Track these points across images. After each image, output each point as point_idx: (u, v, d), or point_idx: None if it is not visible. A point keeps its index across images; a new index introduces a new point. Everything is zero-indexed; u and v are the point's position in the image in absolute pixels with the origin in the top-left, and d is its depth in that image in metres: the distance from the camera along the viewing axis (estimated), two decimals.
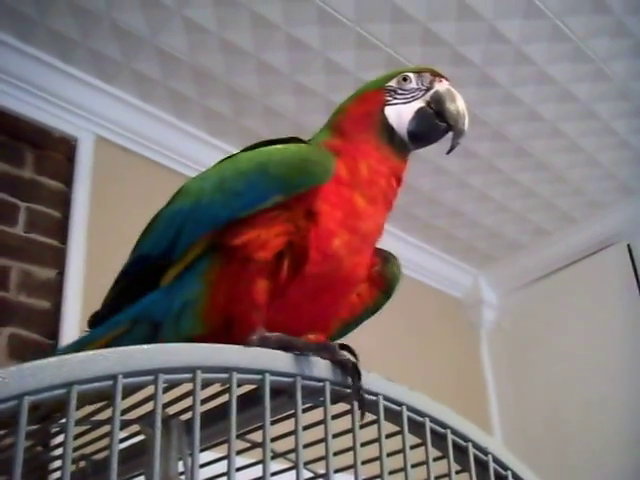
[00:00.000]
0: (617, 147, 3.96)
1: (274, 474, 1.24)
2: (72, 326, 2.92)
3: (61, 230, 3.13)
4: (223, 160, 1.41)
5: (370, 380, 1.17)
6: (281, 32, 3.15)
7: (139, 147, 3.48)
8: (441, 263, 4.70)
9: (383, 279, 1.45)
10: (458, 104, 1.36)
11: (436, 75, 1.39)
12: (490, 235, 4.56)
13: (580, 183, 4.20)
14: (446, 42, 3.23)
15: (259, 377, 1.05)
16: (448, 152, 1.37)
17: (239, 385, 1.04)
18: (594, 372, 4.32)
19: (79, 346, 1.32)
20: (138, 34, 3.12)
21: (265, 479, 0.98)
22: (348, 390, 1.14)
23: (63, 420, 0.90)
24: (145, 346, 0.96)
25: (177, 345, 1.00)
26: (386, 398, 1.18)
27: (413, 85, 1.38)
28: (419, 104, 1.36)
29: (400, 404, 1.19)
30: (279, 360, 1.08)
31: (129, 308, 1.32)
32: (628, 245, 4.39)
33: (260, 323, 1.19)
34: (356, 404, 1.13)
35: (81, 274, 3.06)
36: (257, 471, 1.04)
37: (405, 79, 1.38)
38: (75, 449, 1.48)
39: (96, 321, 1.42)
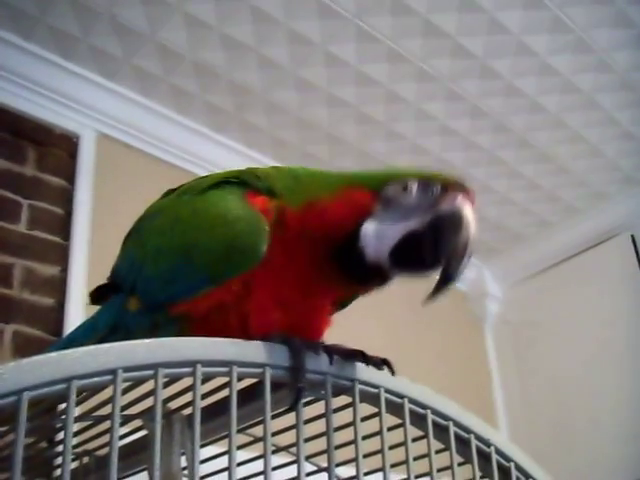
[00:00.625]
0: (620, 138, 3.95)
1: (276, 468, 1.24)
2: (76, 322, 2.90)
3: (64, 227, 3.13)
4: (174, 200, 1.30)
5: (371, 373, 1.16)
6: (282, 26, 3.14)
7: (141, 143, 3.48)
8: None
9: None
10: (461, 236, 1.09)
11: (449, 186, 1.13)
12: (494, 227, 4.55)
13: (584, 174, 4.19)
14: (447, 34, 3.22)
15: (260, 370, 1.04)
16: (428, 298, 1.15)
17: (240, 379, 1.04)
18: (600, 364, 4.32)
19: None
20: (139, 30, 3.11)
21: (266, 473, 0.98)
22: (349, 383, 1.13)
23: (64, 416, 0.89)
24: (146, 340, 0.96)
25: (177, 339, 0.99)
26: (387, 391, 1.17)
27: (413, 199, 1.14)
28: (412, 225, 1.12)
29: (402, 396, 1.18)
30: (280, 354, 1.08)
31: (103, 311, 1.33)
32: (632, 236, 4.38)
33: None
34: (358, 397, 1.13)
35: (84, 271, 3.06)
36: (259, 465, 1.03)
37: (406, 188, 1.14)
38: (78, 445, 1.49)
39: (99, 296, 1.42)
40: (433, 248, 1.10)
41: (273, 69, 3.35)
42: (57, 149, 3.25)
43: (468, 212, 1.10)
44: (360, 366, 1.15)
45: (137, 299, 1.26)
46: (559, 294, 4.64)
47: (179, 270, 1.17)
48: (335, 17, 3.11)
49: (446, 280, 1.11)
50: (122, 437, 1.30)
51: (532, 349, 4.70)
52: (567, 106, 3.71)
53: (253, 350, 1.05)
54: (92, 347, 0.92)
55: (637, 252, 4.34)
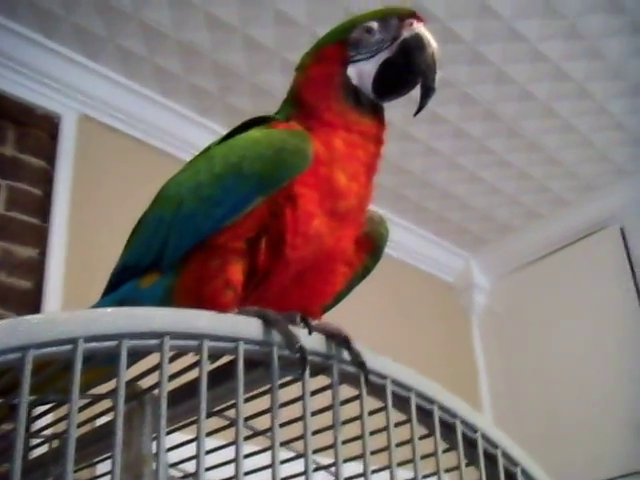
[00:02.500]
0: (612, 128, 3.91)
1: (248, 455, 1.16)
2: (53, 306, 2.86)
3: (43, 208, 3.06)
4: (198, 156, 1.33)
5: (378, 362, 1.12)
6: (268, 7, 3.08)
7: (123, 125, 3.41)
8: (432, 246, 4.64)
9: (370, 240, 1.36)
10: (427, 52, 1.23)
11: (404, 17, 1.26)
12: (482, 218, 4.51)
13: (573, 165, 4.15)
14: (436, 17, 3.16)
15: (232, 345, 0.98)
16: (415, 113, 1.27)
17: (212, 355, 0.98)
18: (587, 357, 4.28)
19: None
20: (122, 8, 3.04)
21: (238, 461, 0.92)
22: (330, 361, 1.08)
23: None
24: (109, 309, 0.90)
25: (144, 309, 0.93)
26: (395, 382, 1.14)
27: (377, 35, 1.26)
28: (384, 56, 1.25)
29: (384, 377, 1.13)
30: (254, 328, 1.02)
31: (109, 296, 1.27)
32: (621, 228, 4.36)
33: (234, 303, 1.12)
34: (337, 377, 1.08)
35: (63, 253, 3.00)
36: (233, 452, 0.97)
37: (369, 30, 1.26)
38: (47, 426, 1.42)
39: None
40: (408, 68, 1.24)
41: (259, 51, 3.29)
42: (38, 129, 3.18)
43: (425, 31, 1.25)
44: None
45: (155, 273, 1.23)
46: (547, 286, 4.60)
47: (228, 187, 1.18)
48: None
49: (427, 91, 1.24)
50: (95, 417, 1.24)
51: (519, 342, 4.67)
52: (558, 94, 3.66)
53: (226, 323, 0.99)
54: (52, 313, 0.86)
55: (626, 245, 4.32)
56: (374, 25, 1.26)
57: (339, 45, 1.28)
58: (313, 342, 1.06)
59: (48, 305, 2.86)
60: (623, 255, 4.30)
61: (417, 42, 1.24)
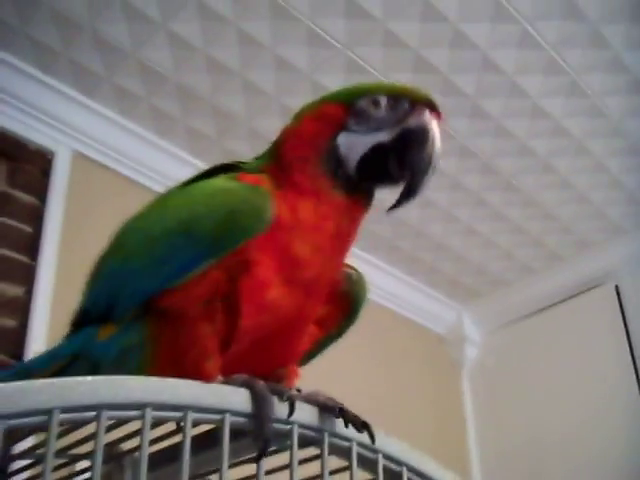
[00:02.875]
0: (609, 186, 3.88)
1: None
2: (39, 346, 2.79)
3: (32, 246, 3.01)
4: (156, 201, 1.26)
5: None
6: (268, 51, 3.05)
7: (118, 164, 3.37)
8: (424, 297, 4.59)
9: (346, 301, 1.30)
10: (427, 152, 1.13)
11: (417, 102, 1.17)
12: (476, 270, 4.47)
13: (570, 221, 4.12)
14: (438, 70, 3.15)
15: (218, 417, 0.93)
16: (389, 209, 1.17)
17: (195, 425, 0.93)
18: (579, 415, 4.22)
19: (16, 377, 1.19)
20: (121, 47, 3.01)
21: None
22: (320, 434, 1.03)
23: None
24: (89, 378, 0.85)
25: (125, 378, 0.88)
26: (360, 445, 1.07)
27: (382, 113, 1.16)
28: (380, 138, 1.16)
29: (376, 452, 1.08)
30: (241, 400, 0.97)
31: (66, 342, 1.22)
32: (616, 286, 4.31)
33: (216, 371, 1.08)
34: (327, 449, 1.02)
35: (50, 292, 2.95)
36: None
37: (375, 103, 1.17)
38: None
39: None
40: (399, 161, 1.15)
41: (258, 95, 3.27)
42: (30, 165, 3.13)
43: (434, 128, 1.15)
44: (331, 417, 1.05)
45: (111, 325, 1.17)
46: (539, 342, 4.55)
47: (177, 247, 1.12)
48: (324, 46, 3.05)
49: (409, 193, 1.15)
50: (74, 476, 1.19)
51: (510, 398, 4.60)
52: (557, 150, 3.64)
53: (212, 394, 0.94)
54: (27, 382, 0.81)
55: (621, 303, 4.27)
56: (383, 100, 1.17)
57: (341, 107, 1.19)
58: (304, 415, 1.02)
59: (33, 345, 2.80)
60: (617, 313, 4.25)
61: (420, 136, 1.14)
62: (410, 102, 1.17)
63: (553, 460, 4.25)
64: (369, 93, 1.19)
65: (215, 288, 1.09)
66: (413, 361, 4.48)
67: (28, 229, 3.02)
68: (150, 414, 0.87)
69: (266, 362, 1.23)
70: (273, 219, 1.10)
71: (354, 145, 1.16)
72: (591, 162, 3.72)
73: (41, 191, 3.12)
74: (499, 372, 4.69)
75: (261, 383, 1.01)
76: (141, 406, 0.86)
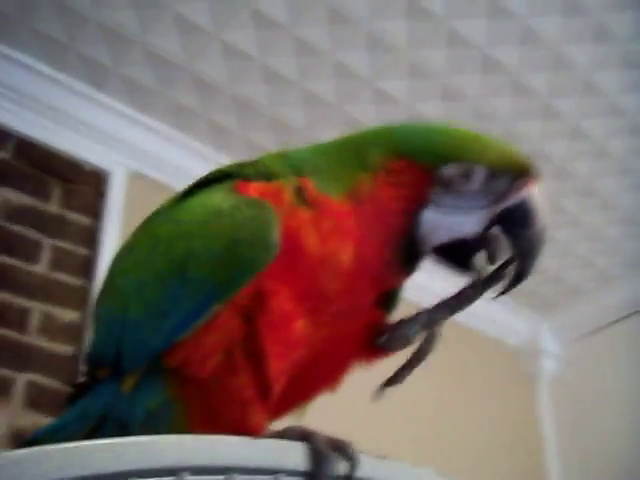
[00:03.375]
0: None
1: None
2: None
3: (87, 269, 2.92)
4: (143, 230, 1.10)
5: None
6: (328, 60, 2.93)
7: (175, 182, 3.21)
8: (498, 308, 4.39)
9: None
10: (534, 228, 0.96)
11: (520, 178, 0.97)
12: (552, 279, 4.26)
13: None
14: (509, 71, 2.99)
15: (269, 478, 0.79)
16: (499, 294, 1.01)
17: None
18: None
19: (50, 439, 1.04)
20: (175, 61, 2.92)
21: None
22: None
23: None
24: (109, 441, 0.71)
25: (153, 439, 0.74)
26: None
27: (475, 187, 0.97)
28: (472, 224, 0.97)
29: None
30: (297, 455, 0.82)
31: (90, 399, 1.06)
32: None
33: (263, 424, 0.93)
34: None
35: None
36: None
37: (468, 175, 0.97)
38: None
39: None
40: (509, 240, 0.98)
41: (317, 105, 3.14)
42: (85, 186, 3.05)
43: (539, 201, 0.97)
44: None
45: (132, 376, 1.01)
46: (622, 352, 4.33)
47: (174, 295, 0.95)
48: (343, 22, 2.90)
49: (519, 278, 0.98)
50: None
51: (591, 412, 4.37)
52: (635, 150, 3.46)
53: (260, 451, 0.80)
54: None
55: None
56: (478, 173, 0.97)
57: (424, 172, 0.98)
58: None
59: None
60: None
61: (526, 215, 0.96)
62: (512, 176, 0.97)
63: None
64: (461, 159, 0.97)
65: (230, 334, 0.93)
66: (486, 377, 4.30)
67: (84, 252, 2.94)
68: None
69: (312, 390, 1.09)
70: (291, 238, 0.93)
71: (440, 227, 0.98)
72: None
73: (96, 212, 3.04)
74: (579, 386, 4.47)
75: (321, 437, 0.86)
76: (176, 471, 0.72)
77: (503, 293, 1.01)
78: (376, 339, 1.09)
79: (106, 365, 1.05)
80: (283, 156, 1.07)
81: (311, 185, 0.99)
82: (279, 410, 1.04)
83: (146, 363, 0.99)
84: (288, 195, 0.97)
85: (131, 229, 3.04)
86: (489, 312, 4.33)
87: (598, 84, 3.09)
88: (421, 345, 1.07)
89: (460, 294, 1.05)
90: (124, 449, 0.71)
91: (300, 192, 0.97)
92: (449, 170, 0.97)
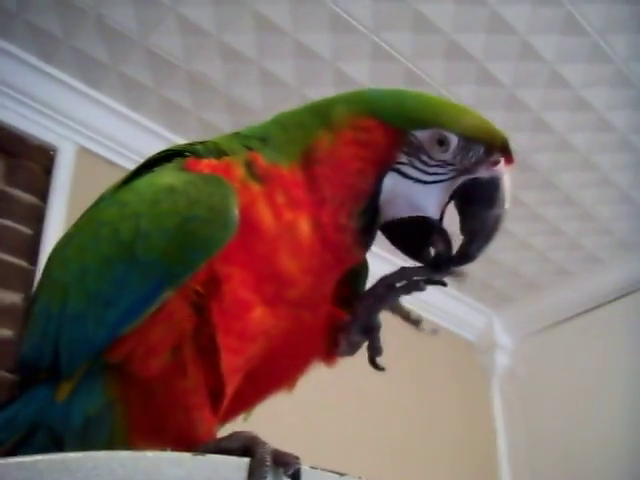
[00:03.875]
0: None
1: None
2: None
3: (31, 249, 2.79)
4: (84, 217, 1.02)
5: None
6: (287, 39, 2.84)
7: (125, 160, 3.12)
8: (453, 302, 4.35)
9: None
10: (496, 212, 0.93)
11: (494, 149, 0.93)
12: (508, 273, 4.22)
13: (609, 221, 3.90)
14: (474, 58, 2.93)
15: None
16: (431, 274, 0.96)
17: None
18: (614, 424, 4.00)
19: None
20: (128, 34, 2.80)
21: None
22: None
23: None
24: (28, 459, 0.61)
25: (82, 456, 0.64)
26: None
27: (448, 155, 0.92)
28: (439, 194, 0.91)
29: None
30: (236, 471, 0.75)
31: (20, 405, 0.97)
32: None
33: (210, 433, 0.85)
34: None
35: None
36: None
37: (441, 142, 0.91)
38: None
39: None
40: (464, 220, 0.93)
41: (276, 85, 3.04)
42: (31, 161, 2.92)
43: (507, 183, 0.94)
44: None
45: (68, 382, 0.92)
46: (575, 349, 4.33)
47: (120, 280, 0.87)
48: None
49: (464, 258, 0.93)
50: None
51: (542, 407, 4.39)
52: (598, 146, 3.42)
53: (206, 468, 0.71)
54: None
55: None
56: (452, 140, 0.92)
57: (392, 133, 0.92)
58: None
59: None
60: None
61: (492, 192, 0.93)
62: (485, 147, 0.92)
63: (588, 472, 4.02)
64: (435, 125, 0.92)
65: (179, 325, 0.85)
66: (441, 369, 4.28)
67: (28, 231, 2.82)
68: None
69: (267, 390, 1.02)
70: (245, 217, 0.86)
71: (400, 197, 0.92)
72: (635, 158, 3.50)
73: (42, 189, 2.91)
74: (531, 381, 4.48)
75: (266, 450, 0.78)
76: None
77: (437, 271, 0.96)
78: (335, 341, 1.04)
79: (40, 369, 0.97)
80: (234, 135, 1.02)
81: (260, 158, 0.93)
82: (230, 411, 0.96)
83: (85, 364, 0.90)
84: (239, 171, 0.91)
85: (78, 208, 2.92)
86: (445, 305, 4.30)
87: (564, 76, 3.03)
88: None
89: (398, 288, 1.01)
90: (47, 468, 0.61)
91: (250, 167, 0.91)
92: (422, 134, 0.92)
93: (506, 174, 0.94)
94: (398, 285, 1.02)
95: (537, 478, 4.24)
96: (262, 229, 0.88)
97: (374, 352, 1.02)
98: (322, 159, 0.94)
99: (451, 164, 0.92)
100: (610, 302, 4.24)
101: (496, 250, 4.04)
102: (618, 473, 3.88)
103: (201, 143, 1.00)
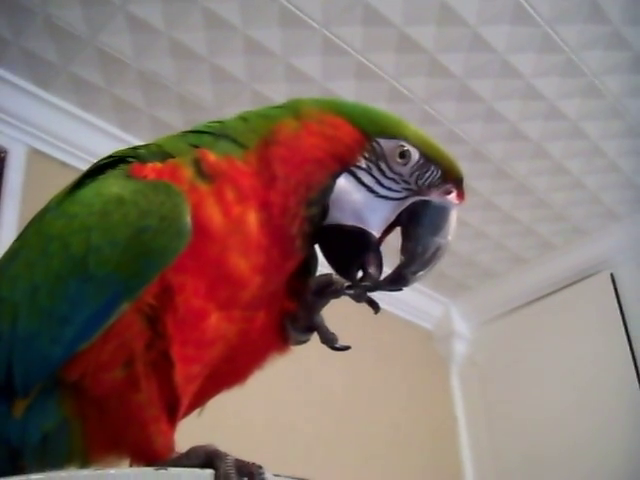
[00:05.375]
0: (605, 170, 3.69)
1: None
2: None
3: None
4: (29, 230, 1.00)
5: None
6: (238, 35, 2.81)
7: (78, 161, 3.08)
8: (411, 292, 4.36)
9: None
10: (441, 240, 0.93)
11: (450, 176, 0.95)
12: (465, 262, 4.24)
13: (563, 208, 3.93)
14: (425, 49, 2.91)
15: None
16: (359, 296, 0.95)
17: None
18: (575, 409, 4.04)
19: None
20: (77, 33, 2.76)
21: None
22: None
23: None
24: None
25: (45, 477, 0.64)
26: None
27: (406, 170, 0.92)
28: (386, 209, 0.92)
29: None
30: None
31: None
32: (612, 274, 4.13)
33: (168, 446, 0.84)
34: None
35: None
36: None
37: (403, 155, 0.92)
38: None
39: None
40: (408, 236, 0.93)
41: (227, 82, 3.01)
42: None
43: (454, 215, 0.95)
44: None
45: (21, 399, 0.89)
46: (533, 335, 4.36)
47: (74, 296, 0.85)
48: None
49: (398, 281, 0.94)
50: None
51: (501, 393, 4.43)
52: (550, 134, 3.44)
53: None
54: None
55: (617, 292, 4.09)
56: (414, 155, 0.93)
57: (358, 136, 0.93)
58: None
59: None
60: (614, 303, 4.07)
61: (440, 219, 0.93)
62: (442, 172, 0.94)
63: (549, 457, 4.06)
64: (400, 136, 0.93)
65: (131, 341, 0.84)
66: (400, 358, 4.29)
67: None
68: None
69: (221, 386, 1.02)
70: (200, 224, 0.85)
71: (348, 202, 0.91)
72: (586, 145, 3.52)
73: None
74: (490, 368, 4.50)
75: (228, 461, 0.78)
76: None
77: (363, 292, 0.96)
78: (286, 333, 1.04)
79: None
80: (183, 134, 1.00)
81: (209, 154, 0.92)
82: (185, 410, 0.95)
83: (41, 383, 0.88)
84: (186, 172, 0.89)
85: (31, 211, 2.87)
86: (403, 295, 4.27)
87: (515, 66, 3.03)
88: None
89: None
90: None
91: (198, 165, 0.90)
92: (386, 143, 0.93)
93: (455, 209, 0.95)
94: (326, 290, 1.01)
95: (499, 464, 4.28)
96: (211, 231, 0.87)
97: (328, 342, 1.01)
98: (282, 141, 0.94)
99: (406, 181, 0.93)
100: (565, 287, 4.28)
101: (452, 239, 4.05)
102: (578, 454, 3.92)
103: (144, 146, 0.98)
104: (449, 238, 0.94)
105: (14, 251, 0.98)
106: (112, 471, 0.70)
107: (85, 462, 0.90)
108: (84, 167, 2.91)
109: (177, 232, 0.83)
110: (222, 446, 0.81)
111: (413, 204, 0.93)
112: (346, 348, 1.01)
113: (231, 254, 0.88)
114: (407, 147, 0.93)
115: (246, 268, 0.89)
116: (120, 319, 0.83)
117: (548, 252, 4.26)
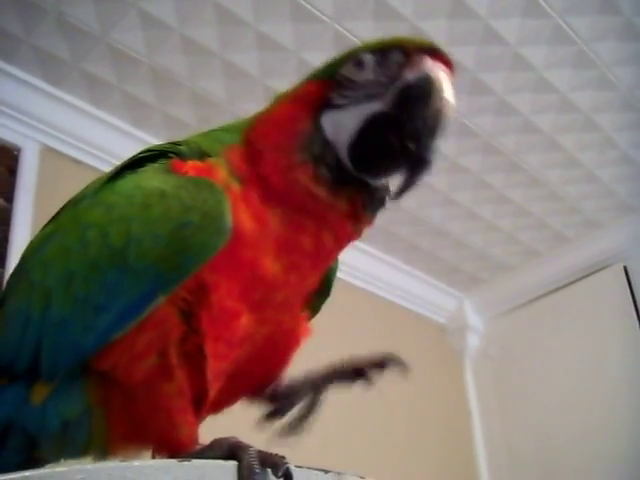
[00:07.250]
0: (618, 162, 3.68)
1: None
2: None
3: None
4: (66, 217, 0.99)
5: None
6: (250, 31, 2.81)
7: (91, 158, 3.10)
8: (424, 286, 4.37)
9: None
10: (433, 106, 0.89)
11: (412, 52, 0.91)
12: (477, 256, 4.24)
13: (576, 200, 3.91)
14: (436, 43, 2.88)
15: None
16: (396, 196, 0.92)
17: None
18: (587, 401, 4.04)
19: None
20: (90, 31, 2.76)
21: None
22: None
23: None
24: (23, 474, 0.61)
25: (71, 469, 0.64)
26: None
27: (369, 76, 0.91)
28: (373, 107, 0.90)
29: None
30: (230, 474, 0.75)
31: None
32: (625, 267, 4.13)
33: (192, 439, 0.85)
34: None
35: None
36: None
37: (359, 64, 0.92)
38: None
39: None
40: (400, 129, 0.89)
41: (240, 78, 3.02)
42: None
43: (439, 77, 0.91)
44: None
45: (46, 384, 0.90)
46: (545, 327, 4.36)
47: (111, 286, 0.85)
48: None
49: (418, 165, 0.90)
50: None
51: (515, 386, 4.42)
52: (562, 126, 3.42)
53: (192, 474, 0.71)
54: None
55: (630, 284, 4.08)
56: (367, 59, 0.92)
57: (324, 83, 0.94)
58: None
59: None
60: (627, 295, 4.07)
61: (424, 89, 0.90)
62: (403, 52, 0.92)
63: (563, 451, 4.07)
64: (352, 57, 0.93)
65: (166, 333, 0.85)
66: (414, 352, 4.23)
67: None
68: None
69: (252, 384, 1.03)
70: (233, 224, 0.85)
71: (342, 123, 0.90)
72: (599, 137, 3.51)
73: (7, 191, 2.87)
74: (503, 361, 4.50)
75: (251, 452, 0.78)
76: None
77: (401, 192, 0.92)
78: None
79: (14, 371, 0.94)
80: (206, 134, 1.02)
81: (236, 154, 0.94)
82: (208, 411, 0.96)
83: (66, 369, 0.89)
84: (222, 172, 0.90)
85: (45, 208, 2.89)
86: (416, 289, 4.31)
87: (527, 59, 3.02)
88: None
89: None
90: None
91: (230, 166, 0.91)
92: (342, 70, 0.94)
93: (438, 70, 0.92)
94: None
95: (513, 457, 4.28)
96: (245, 232, 0.87)
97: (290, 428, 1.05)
98: (257, 125, 0.96)
99: (376, 80, 0.92)
100: (578, 280, 4.27)
101: (464, 233, 4.06)
102: (592, 447, 3.92)
103: (184, 142, 0.99)
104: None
105: (46, 236, 0.99)
106: (137, 463, 0.70)
107: (104, 452, 0.90)
108: (97, 164, 2.95)
109: (218, 230, 0.84)
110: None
111: (396, 92, 0.91)
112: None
113: (264, 256, 0.88)
114: (359, 56, 0.94)
115: (278, 271, 0.90)
116: (156, 311, 0.84)
117: (561, 245, 4.24)
